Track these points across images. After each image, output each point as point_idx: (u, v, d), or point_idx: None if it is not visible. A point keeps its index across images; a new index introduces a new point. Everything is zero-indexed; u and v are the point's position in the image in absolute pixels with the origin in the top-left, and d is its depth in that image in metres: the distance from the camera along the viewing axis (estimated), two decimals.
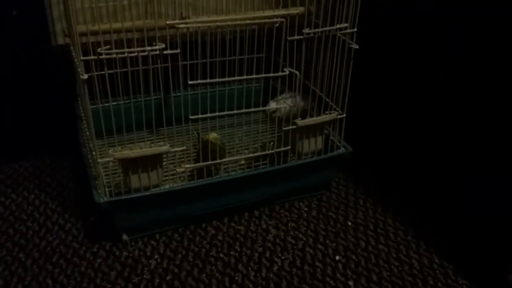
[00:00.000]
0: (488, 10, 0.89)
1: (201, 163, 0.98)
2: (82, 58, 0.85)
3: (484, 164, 0.95)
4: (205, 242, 1.00)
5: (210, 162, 1.00)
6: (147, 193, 0.94)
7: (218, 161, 1.01)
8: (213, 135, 1.01)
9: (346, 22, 0.98)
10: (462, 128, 1.00)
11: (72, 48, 0.99)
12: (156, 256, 0.96)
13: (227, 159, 1.04)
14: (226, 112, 0.96)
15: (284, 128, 1.02)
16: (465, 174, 1.01)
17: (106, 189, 0.93)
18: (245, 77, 0.99)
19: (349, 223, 1.05)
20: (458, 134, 1.02)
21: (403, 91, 1.16)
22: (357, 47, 0.98)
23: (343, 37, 0.99)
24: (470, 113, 0.98)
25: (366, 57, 1.05)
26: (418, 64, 1.09)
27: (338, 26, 0.98)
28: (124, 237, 0.98)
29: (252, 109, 0.99)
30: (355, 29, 0.98)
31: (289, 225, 1.05)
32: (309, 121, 1.02)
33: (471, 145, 0.98)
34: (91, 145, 0.95)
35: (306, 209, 1.10)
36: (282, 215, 1.08)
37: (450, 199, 1.08)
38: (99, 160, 0.91)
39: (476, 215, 0.99)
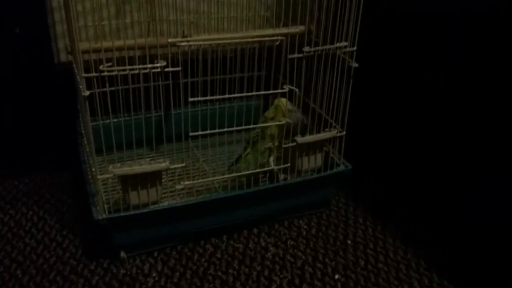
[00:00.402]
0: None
1: (197, 180, 0.98)
2: (83, 75, 0.85)
3: (487, 177, 0.95)
4: (203, 260, 0.99)
5: (211, 178, 0.99)
6: (146, 210, 0.94)
7: (218, 177, 1.01)
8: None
9: (346, 41, 0.99)
10: (462, 145, 1.00)
11: (74, 65, 1.00)
12: (154, 274, 0.95)
13: (226, 176, 1.04)
14: (226, 129, 0.97)
15: (284, 145, 1.02)
16: (467, 191, 1.00)
17: (105, 206, 0.93)
18: (245, 94, 0.99)
19: (349, 242, 1.05)
20: (458, 152, 1.02)
21: (403, 109, 1.16)
22: (356, 65, 0.99)
23: (343, 56, 1.00)
24: (469, 129, 0.98)
25: (366, 75, 1.06)
26: (418, 82, 1.10)
27: (338, 45, 0.99)
28: (122, 254, 0.98)
29: (252, 126, 0.99)
30: (355, 48, 0.99)
31: (288, 243, 1.04)
32: (308, 138, 1.03)
33: (472, 162, 0.98)
34: (91, 161, 0.95)
35: (305, 227, 1.09)
36: (282, 233, 1.07)
37: (451, 216, 1.07)
38: (99, 177, 0.91)
39: (479, 226, 0.97)
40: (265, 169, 1.04)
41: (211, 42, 0.94)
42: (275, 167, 1.03)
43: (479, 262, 0.97)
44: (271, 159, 1.04)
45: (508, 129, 0.90)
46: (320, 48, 0.98)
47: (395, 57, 1.15)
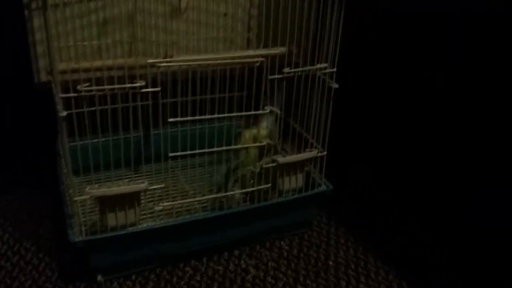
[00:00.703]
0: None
1: (177, 201, 0.97)
2: (61, 95, 0.85)
3: (479, 185, 0.95)
4: (182, 282, 0.97)
5: (190, 200, 0.99)
6: (124, 232, 0.92)
7: (197, 198, 1.00)
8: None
9: (326, 62, 1.00)
10: (445, 161, 1.01)
11: (53, 85, 0.99)
12: None
13: (205, 197, 1.03)
14: (206, 150, 0.96)
15: (264, 165, 1.02)
16: (450, 211, 1.00)
17: (82, 228, 0.91)
18: (225, 115, 0.99)
19: (330, 262, 1.04)
20: (442, 169, 1.02)
21: (383, 128, 1.17)
22: (337, 86, 1.00)
23: (323, 77, 1.01)
24: (451, 145, 0.99)
25: (347, 95, 1.06)
26: (398, 102, 1.11)
27: (318, 66, 1.00)
28: (99, 277, 0.96)
29: (233, 147, 0.99)
30: (335, 69, 1.00)
31: (269, 264, 1.03)
32: (289, 158, 1.02)
33: (456, 179, 0.99)
34: (68, 182, 0.94)
35: (287, 248, 1.08)
36: (263, 254, 1.06)
37: (435, 236, 1.07)
38: (76, 198, 0.90)
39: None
40: (246, 190, 1.03)
41: (191, 63, 0.94)
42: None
43: (465, 281, 0.96)
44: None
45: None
46: (300, 69, 0.99)
47: (376, 76, 1.16)
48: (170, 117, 0.92)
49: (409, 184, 1.11)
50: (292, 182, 1.06)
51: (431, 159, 1.08)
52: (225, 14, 1.25)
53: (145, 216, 0.99)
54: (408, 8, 1.08)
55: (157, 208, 0.96)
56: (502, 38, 0.88)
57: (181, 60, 0.94)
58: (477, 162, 0.96)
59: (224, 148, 0.98)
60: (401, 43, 1.12)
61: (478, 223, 0.97)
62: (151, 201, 1.05)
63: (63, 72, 0.89)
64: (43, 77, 1.19)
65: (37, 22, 1.14)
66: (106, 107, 0.93)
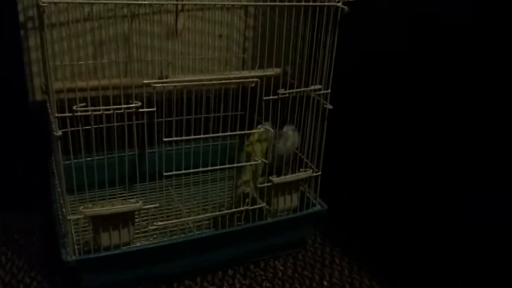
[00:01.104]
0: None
1: (171, 221, 0.97)
2: (56, 115, 0.85)
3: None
4: None
5: (184, 219, 0.98)
6: (117, 251, 0.92)
7: (192, 218, 1.00)
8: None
9: (320, 83, 1.01)
10: (439, 180, 1.02)
11: (48, 104, 1.00)
12: None
13: (200, 216, 1.03)
14: (200, 169, 0.96)
15: (259, 185, 1.02)
16: (444, 232, 1.01)
17: (76, 247, 0.91)
18: (220, 134, 1.00)
19: (325, 283, 1.03)
20: (435, 188, 1.03)
21: (377, 149, 1.18)
22: (331, 107, 1.01)
23: (318, 98, 1.02)
24: (446, 163, 1.00)
25: (341, 115, 1.08)
26: (393, 121, 1.12)
27: (313, 87, 1.01)
28: None
29: (227, 166, 0.99)
30: (329, 90, 1.01)
31: (263, 284, 1.02)
32: (284, 178, 1.03)
33: (450, 200, 0.99)
34: (62, 201, 0.93)
35: (281, 267, 1.08)
36: (257, 274, 1.05)
37: (429, 258, 1.07)
38: (69, 217, 0.89)
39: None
40: (241, 208, 1.03)
41: (186, 83, 0.95)
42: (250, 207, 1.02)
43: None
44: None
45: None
46: (294, 90, 1.00)
47: (369, 92, 1.18)
48: (165, 137, 0.92)
49: (404, 204, 1.11)
50: (287, 202, 1.06)
51: (427, 175, 1.08)
52: (220, 36, 1.26)
53: (139, 235, 0.99)
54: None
55: (151, 227, 0.96)
56: (502, 37, 0.89)
57: (176, 80, 0.95)
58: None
59: (219, 167, 0.99)
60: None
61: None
62: (145, 220, 1.04)
63: (59, 91, 0.89)
64: (38, 96, 1.19)
65: (32, 41, 1.15)
66: (101, 125, 0.94)
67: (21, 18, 1.11)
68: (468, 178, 0.98)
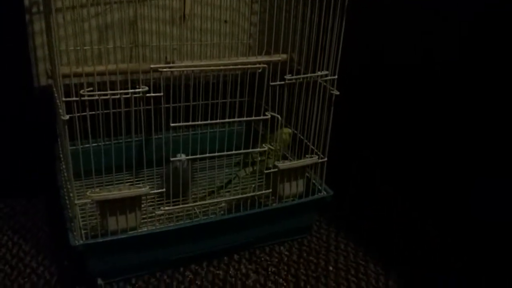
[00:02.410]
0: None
1: (177, 206, 0.97)
2: (64, 99, 0.85)
3: (469, 208, 0.96)
4: (182, 287, 0.97)
5: (191, 204, 0.99)
6: (124, 235, 0.92)
7: (198, 203, 1.00)
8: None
9: (327, 69, 1.01)
10: (444, 167, 1.02)
11: (54, 89, 0.99)
12: None
13: (207, 201, 1.03)
14: (207, 155, 0.97)
15: (265, 171, 1.02)
16: (448, 217, 1.01)
17: (82, 232, 0.91)
18: (227, 120, 1.00)
19: (330, 268, 1.04)
20: (440, 175, 1.03)
21: (384, 135, 1.18)
22: (337, 93, 1.01)
23: (324, 84, 1.01)
24: (452, 151, 1.00)
25: (348, 101, 1.07)
26: (400, 107, 1.12)
27: (319, 73, 1.01)
28: (99, 281, 0.95)
29: (234, 152, 0.99)
30: (336, 76, 1.01)
31: (269, 269, 1.03)
32: (290, 164, 1.03)
33: (455, 185, 1.00)
34: (68, 186, 0.94)
35: (286, 253, 1.08)
36: (262, 259, 1.06)
37: (433, 243, 1.08)
38: (76, 202, 0.89)
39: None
40: (247, 195, 1.03)
41: (194, 68, 0.94)
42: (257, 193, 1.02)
43: (467, 278, 0.97)
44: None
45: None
46: (301, 76, 1.00)
47: (376, 79, 1.18)
48: (172, 122, 0.92)
49: (409, 189, 1.11)
50: (293, 188, 1.06)
51: (433, 162, 1.08)
52: (226, 21, 1.26)
53: (145, 221, 0.99)
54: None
55: (158, 212, 0.96)
56: (502, 36, 0.89)
57: (183, 65, 0.94)
58: (480, 155, 0.97)
59: (225, 153, 0.99)
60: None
61: (481, 217, 0.97)
62: (152, 205, 1.05)
63: (66, 76, 0.89)
64: (43, 81, 1.19)
65: (37, 26, 1.14)
66: (108, 111, 0.93)
67: (26, 2, 1.11)
68: (473, 170, 0.99)
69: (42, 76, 1.18)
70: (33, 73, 1.17)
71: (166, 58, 1.22)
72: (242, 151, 1.03)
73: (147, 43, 1.18)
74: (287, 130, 1.08)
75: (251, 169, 1.08)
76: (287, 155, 1.13)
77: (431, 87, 1.03)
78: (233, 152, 0.99)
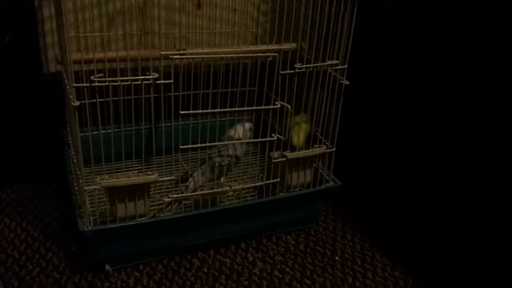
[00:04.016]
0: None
1: (186, 194, 0.98)
2: (74, 84, 0.85)
3: (478, 192, 0.96)
4: (190, 274, 0.98)
5: (199, 192, 0.99)
6: (133, 222, 0.93)
7: (206, 191, 1.00)
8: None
9: (337, 59, 1.00)
10: (454, 159, 1.01)
11: (64, 75, 0.99)
12: None
13: (215, 190, 1.03)
14: (216, 143, 0.97)
15: (273, 160, 1.02)
16: (459, 208, 1.01)
17: (91, 218, 0.92)
18: (236, 109, 1.00)
19: (337, 258, 1.04)
20: (450, 166, 1.03)
21: (393, 126, 1.17)
22: (347, 83, 1.00)
23: (334, 73, 1.01)
24: (462, 143, 0.99)
25: (357, 91, 1.07)
26: (408, 99, 1.12)
27: (329, 62, 1.00)
28: (107, 267, 0.96)
29: (243, 141, 0.99)
30: (346, 66, 1.00)
31: (276, 258, 1.03)
32: (298, 153, 1.03)
33: (462, 177, 0.99)
34: (78, 172, 0.94)
35: (293, 242, 1.09)
36: (269, 248, 1.06)
37: (442, 233, 1.07)
38: (86, 188, 0.90)
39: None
40: (255, 184, 1.04)
41: (205, 56, 0.94)
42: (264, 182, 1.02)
43: (469, 280, 0.97)
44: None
45: (500, 139, 0.90)
46: (311, 65, 0.99)
47: (385, 74, 1.17)
48: (182, 110, 0.92)
49: (417, 180, 1.11)
50: (301, 178, 1.06)
51: (423, 176, 1.09)
52: (235, 10, 1.25)
53: (154, 208, 0.99)
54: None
55: (166, 200, 0.97)
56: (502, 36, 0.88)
57: (195, 52, 0.94)
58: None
59: (235, 141, 0.99)
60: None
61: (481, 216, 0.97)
62: (160, 193, 1.05)
63: (76, 62, 0.89)
64: (52, 68, 1.19)
65: (47, 12, 1.14)
66: (117, 98, 0.93)
67: None
68: (463, 194, 0.99)
69: (52, 62, 1.18)
70: (43, 60, 1.17)
71: (174, 45, 1.22)
72: (251, 140, 1.03)
73: (156, 30, 1.18)
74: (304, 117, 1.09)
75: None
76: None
77: (444, 78, 1.02)
78: (243, 140, 0.99)
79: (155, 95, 0.90)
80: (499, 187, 0.91)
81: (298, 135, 1.08)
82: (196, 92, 1.00)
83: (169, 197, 0.97)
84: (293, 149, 1.06)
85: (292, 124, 1.07)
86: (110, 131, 0.94)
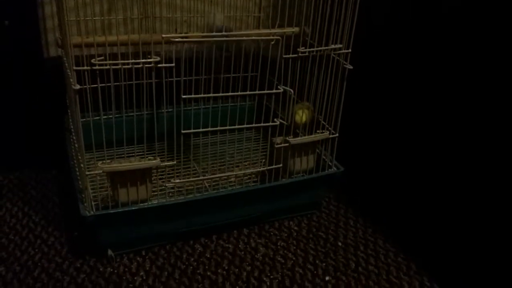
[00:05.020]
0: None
1: (188, 179, 0.97)
2: (75, 68, 0.84)
3: (482, 177, 0.95)
4: (192, 259, 0.98)
5: (201, 178, 0.98)
6: (135, 207, 0.92)
7: (208, 177, 1.00)
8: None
9: (340, 43, 0.99)
10: (457, 146, 1.01)
11: (65, 59, 0.98)
12: (141, 273, 0.94)
13: (217, 175, 1.03)
14: (218, 128, 0.96)
15: (276, 146, 1.02)
16: (461, 194, 1.01)
17: (93, 203, 0.91)
18: (239, 93, 0.99)
19: (339, 243, 1.04)
20: (452, 153, 1.02)
21: (396, 112, 1.16)
22: (351, 67, 0.99)
23: (337, 58, 1.00)
24: (465, 128, 0.98)
25: (360, 76, 1.06)
26: (413, 85, 1.11)
27: (333, 46, 0.99)
28: (109, 252, 0.96)
29: (245, 126, 0.98)
30: (350, 50, 0.99)
31: (278, 244, 1.03)
32: (301, 139, 1.02)
33: (469, 165, 0.99)
34: (79, 157, 0.93)
35: (296, 228, 1.08)
36: (272, 233, 1.06)
37: (444, 219, 1.07)
38: (87, 173, 0.89)
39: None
40: (258, 169, 1.03)
41: (207, 39, 0.93)
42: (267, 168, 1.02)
43: (472, 264, 0.97)
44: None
45: (501, 138, 0.90)
46: (315, 49, 0.98)
47: (389, 59, 1.16)
48: (184, 95, 0.91)
49: (420, 166, 1.11)
50: (303, 163, 1.06)
51: (426, 162, 1.08)
52: None
53: (156, 193, 0.99)
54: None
55: (168, 185, 0.96)
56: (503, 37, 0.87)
57: (196, 35, 0.93)
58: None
59: (237, 127, 0.98)
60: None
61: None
62: (162, 178, 1.05)
63: (77, 45, 0.88)
64: (52, 52, 1.18)
65: None
66: (118, 83, 0.92)
67: None
68: (466, 179, 0.98)
69: (52, 46, 1.17)
70: (43, 44, 1.16)
71: (176, 30, 1.20)
72: (253, 125, 1.02)
73: (157, 14, 1.17)
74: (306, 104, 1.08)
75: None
76: (298, 131, 1.12)
77: (450, 63, 1.01)
78: (245, 126, 0.98)
79: (156, 80, 0.89)
80: (505, 172, 0.90)
81: (301, 116, 1.07)
82: (198, 77, 0.99)
83: (171, 182, 0.97)
84: (295, 134, 1.05)
85: (295, 109, 1.06)
86: (111, 116, 0.94)
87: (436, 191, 1.07)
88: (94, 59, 0.85)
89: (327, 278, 0.95)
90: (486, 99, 0.94)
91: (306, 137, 1.03)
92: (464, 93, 0.98)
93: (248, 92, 0.98)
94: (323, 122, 1.05)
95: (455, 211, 1.02)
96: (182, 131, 0.93)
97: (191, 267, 0.96)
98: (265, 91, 0.97)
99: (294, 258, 0.99)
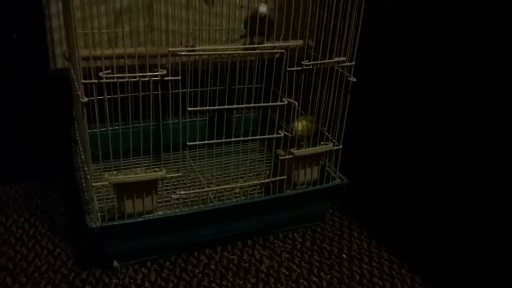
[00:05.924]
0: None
1: (193, 191, 0.98)
2: (82, 81, 0.85)
3: (482, 191, 0.95)
4: (197, 271, 0.98)
5: (209, 189, 0.99)
6: (141, 219, 0.93)
7: (213, 188, 1.00)
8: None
9: (344, 55, 1.00)
10: (460, 159, 1.01)
11: (72, 71, 0.99)
12: (147, 284, 0.94)
13: (222, 187, 1.03)
14: (223, 140, 0.97)
15: (280, 157, 1.02)
16: (463, 207, 1.01)
17: (99, 214, 0.92)
18: (244, 105, 1.00)
19: (344, 255, 1.04)
20: (455, 165, 1.03)
21: (399, 124, 1.17)
22: (354, 80, 1.00)
23: (341, 70, 1.01)
24: (466, 141, 0.99)
25: (364, 89, 1.07)
26: (415, 97, 1.11)
27: (336, 59, 1.00)
28: (115, 263, 0.96)
29: (250, 137, 0.99)
30: (353, 63, 1.00)
31: (283, 256, 1.03)
32: (305, 151, 1.03)
33: (470, 176, 0.99)
34: (86, 169, 0.94)
35: (300, 240, 1.09)
36: (276, 245, 1.06)
37: (447, 231, 1.07)
38: (94, 184, 0.90)
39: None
40: (262, 181, 1.04)
41: (212, 52, 0.94)
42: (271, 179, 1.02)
43: (476, 277, 0.97)
44: None
45: (501, 141, 0.90)
46: (319, 62, 0.99)
47: (392, 72, 1.17)
48: (189, 107, 0.92)
49: (424, 178, 1.11)
50: (307, 175, 1.06)
51: (429, 174, 1.08)
52: (242, 6, 1.25)
53: (161, 205, 1.00)
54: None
55: (173, 196, 0.97)
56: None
57: (203, 49, 0.94)
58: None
59: (241, 138, 0.99)
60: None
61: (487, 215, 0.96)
62: (167, 189, 1.05)
63: (85, 58, 0.89)
64: (59, 64, 1.19)
65: (54, 8, 1.14)
66: (125, 95, 0.93)
67: None
68: (467, 194, 0.98)
69: (59, 59, 1.18)
70: (50, 56, 1.17)
71: (181, 43, 1.22)
72: (258, 137, 1.03)
73: (162, 27, 1.18)
74: (309, 117, 1.08)
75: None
76: (302, 142, 1.13)
77: (453, 75, 1.02)
78: (249, 138, 0.99)
79: (162, 92, 0.90)
80: (509, 185, 0.90)
81: (297, 126, 1.07)
82: (203, 89, 1.00)
83: (176, 194, 0.97)
84: (299, 145, 1.06)
85: (295, 120, 1.06)
86: (118, 127, 0.95)
87: (440, 204, 1.07)
88: (101, 73, 0.86)
89: None
90: (491, 115, 0.94)
91: (310, 149, 1.04)
92: (468, 106, 0.98)
93: (252, 104, 0.99)
94: (327, 134, 1.06)
95: (460, 223, 1.03)
96: (188, 143, 0.94)
97: (196, 279, 0.96)
98: (270, 103, 0.98)
99: (298, 270, 1.00)
